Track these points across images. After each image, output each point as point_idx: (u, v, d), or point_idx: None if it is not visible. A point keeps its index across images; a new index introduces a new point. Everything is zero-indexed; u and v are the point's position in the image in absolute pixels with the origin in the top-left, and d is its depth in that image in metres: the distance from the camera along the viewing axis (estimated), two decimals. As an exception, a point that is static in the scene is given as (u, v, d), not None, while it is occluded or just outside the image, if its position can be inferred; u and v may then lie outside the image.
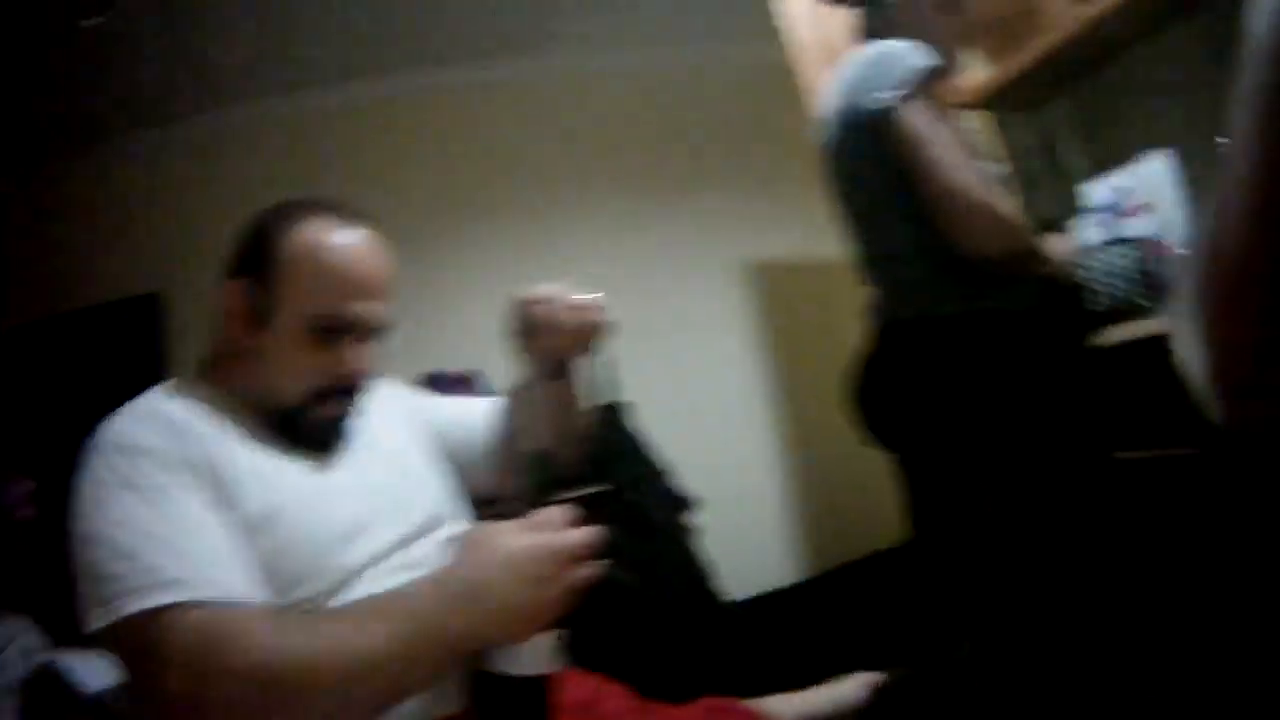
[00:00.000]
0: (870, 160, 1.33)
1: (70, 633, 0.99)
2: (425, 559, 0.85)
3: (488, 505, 1.00)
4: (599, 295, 0.91)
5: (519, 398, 1.00)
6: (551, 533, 0.70)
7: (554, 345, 0.91)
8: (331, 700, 0.64)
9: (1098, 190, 1.70)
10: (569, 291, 0.90)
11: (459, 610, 0.66)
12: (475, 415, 1.06)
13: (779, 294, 3.03)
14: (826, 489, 2.94)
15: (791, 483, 2.99)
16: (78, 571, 0.70)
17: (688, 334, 2.98)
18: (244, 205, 0.94)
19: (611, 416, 2.27)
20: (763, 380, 3.02)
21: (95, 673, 1.08)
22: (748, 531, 2.79)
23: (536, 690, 0.74)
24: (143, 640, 0.65)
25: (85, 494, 0.73)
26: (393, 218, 0.99)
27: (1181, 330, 0.38)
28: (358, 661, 0.64)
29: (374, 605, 0.69)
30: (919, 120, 1.25)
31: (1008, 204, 1.26)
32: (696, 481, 2.25)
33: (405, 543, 0.86)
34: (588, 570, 0.70)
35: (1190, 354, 0.38)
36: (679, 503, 2.23)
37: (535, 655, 0.73)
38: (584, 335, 0.91)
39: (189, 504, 0.73)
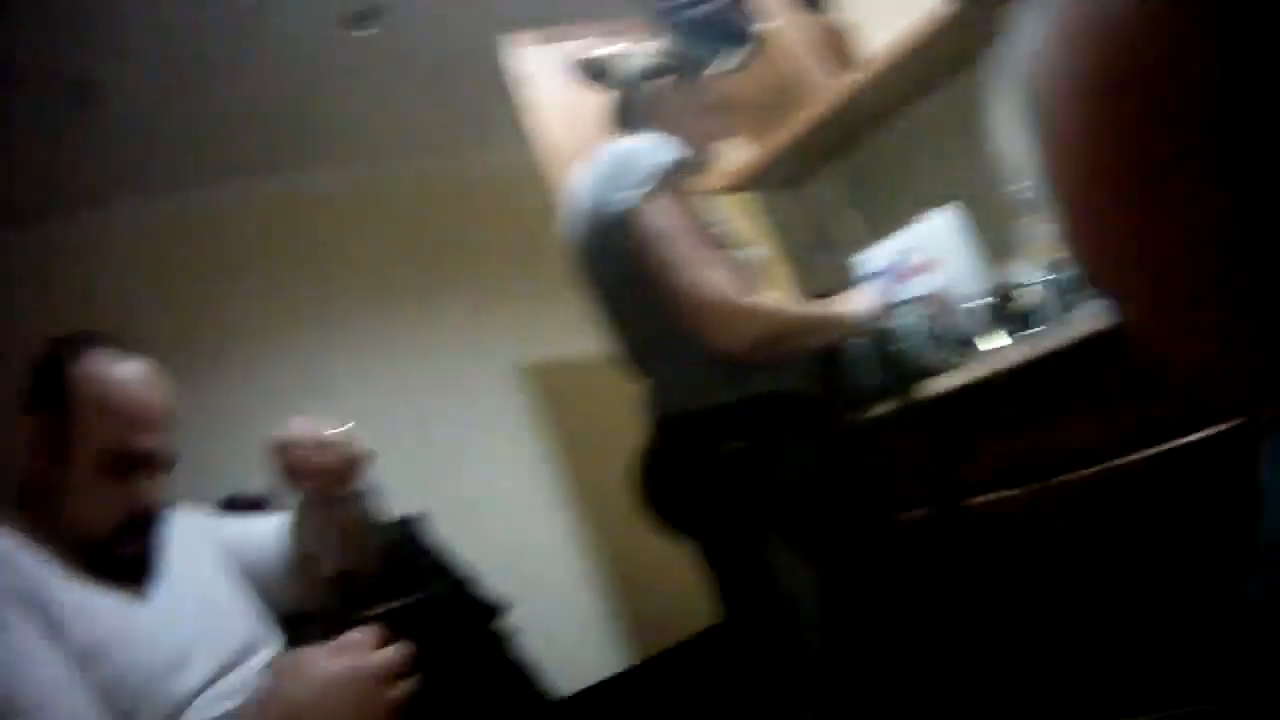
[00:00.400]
0: (616, 259, 1.31)
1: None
2: (244, 685, 0.87)
3: (293, 623, 1.01)
4: (347, 428, 0.93)
5: (305, 523, 1.02)
6: (364, 653, 0.70)
7: (314, 484, 0.94)
8: None
9: (873, 257, 1.70)
10: (318, 428, 0.92)
11: None
12: (268, 533, 1.07)
13: (556, 392, 3.08)
14: (631, 572, 2.95)
15: (596, 570, 3.01)
16: None
17: (472, 438, 2.98)
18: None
19: (407, 531, 2.22)
20: (551, 476, 3.05)
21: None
22: (562, 625, 2.79)
23: None
24: None
25: None
26: (169, 340, 0.96)
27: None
28: None
29: None
30: (658, 219, 1.23)
31: (751, 293, 1.27)
32: (502, 583, 2.23)
33: (225, 670, 0.87)
34: (403, 687, 0.70)
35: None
36: (488, 608, 2.18)
37: None
38: (340, 471, 0.93)
39: (25, 634, 0.73)
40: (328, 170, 2.93)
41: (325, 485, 0.94)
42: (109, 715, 0.73)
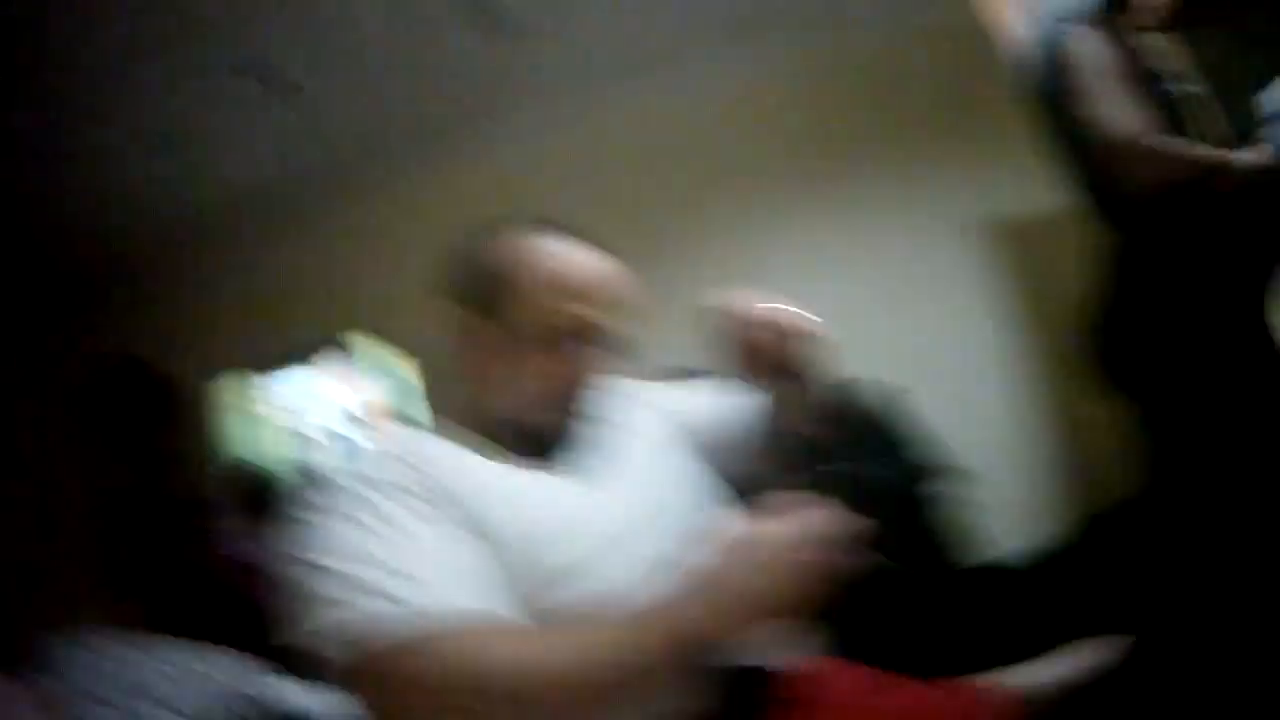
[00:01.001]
0: (1055, 96, 1.32)
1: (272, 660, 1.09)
2: (678, 557, 0.83)
3: (740, 491, 0.97)
4: (796, 312, 0.89)
5: (756, 395, 0.98)
6: (790, 520, 0.68)
7: (763, 366, 0.90)
8: (567, 709, 0.63)
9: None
10: (770, 308, 0.89)
11: (694, 606, 0.65)
12: (715, 404, 1.05)
13: (1014, 252, 2.86)
14: (1078, 449, 2.72)
15: (1043, 444, 2.78)
16: (302, 604, 0.68)
17: (927, 300, 2.87)
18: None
19: (856, 394, 2.20)
20: (1006, 341, 2.84)
21: (301, 697, 1.07)
22: (1002, 496, 2.57)
23: (762, 681, 0.76)
24: (386, 676, 0.64)
25: (319, 527, 0.72)
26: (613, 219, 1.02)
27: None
28: (586, 669, 0.63)
29: (609, 616, 0.69)
30: (1078, 44, 1.25)
31: (1160, 135, 1.23)
32: (950, 449, 2.15)
33: (664, 553, 0.83)
34: (827, 558, 0.67)
35: None
36: (930, 473, 2.12)
37: (764, 645, 0.73)
38: (790, 355, 0.89)
39: (427, 532, 0.72)
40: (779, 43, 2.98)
41: (775, 364, 0.89)
42: (532, 601, 0.72)
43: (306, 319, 3.28)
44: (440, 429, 0.87)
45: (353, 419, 3.16)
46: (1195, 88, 1.46)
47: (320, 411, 3.21)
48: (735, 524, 0.69)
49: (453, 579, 0.69)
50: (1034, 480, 2.76)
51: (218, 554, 2.40)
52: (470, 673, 0.63)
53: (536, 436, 0.86)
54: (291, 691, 1.09)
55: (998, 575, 2.46)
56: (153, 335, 3.39)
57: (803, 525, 0.67)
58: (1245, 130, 1.41)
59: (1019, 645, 1.09)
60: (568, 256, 0.87)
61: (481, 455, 0.83)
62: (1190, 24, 1.89)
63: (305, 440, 3.20)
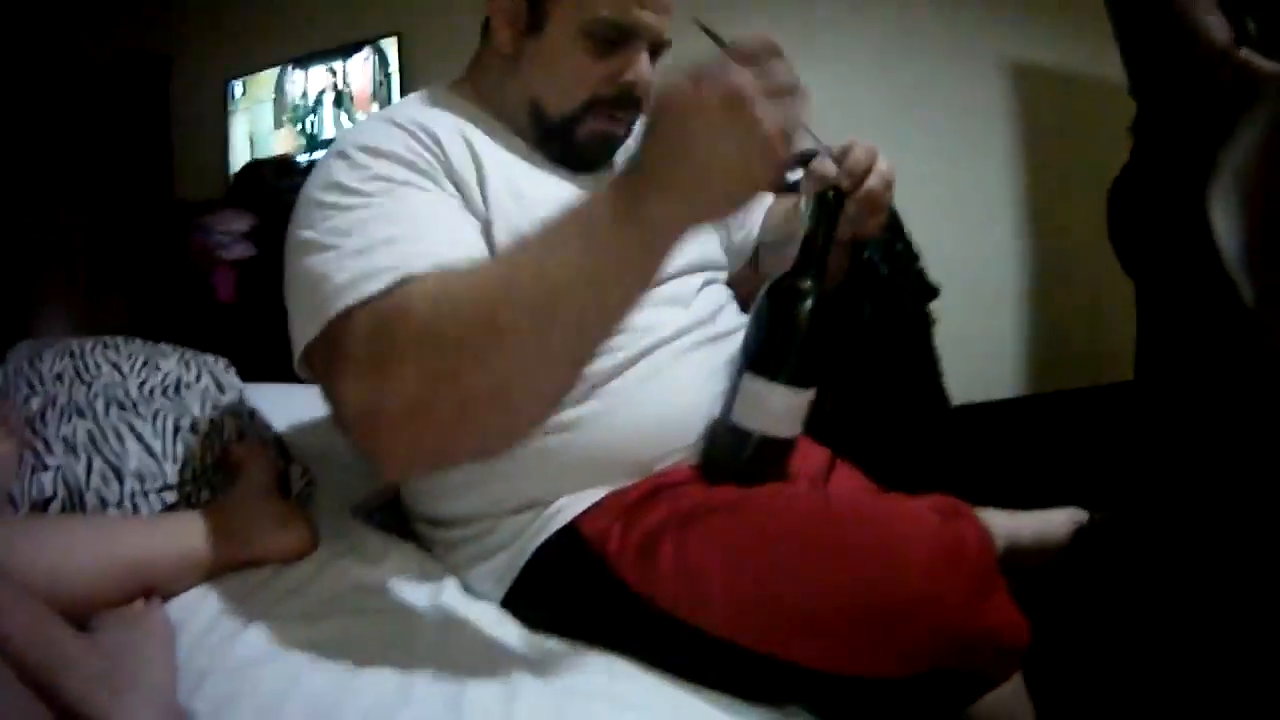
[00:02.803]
0: None
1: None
2: (687, 296, 0.83)
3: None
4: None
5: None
6: (751, 70, 0.53)
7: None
8: (526, 335, 0.55)
9: None
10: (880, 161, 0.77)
11: (652, 187, 0.54)
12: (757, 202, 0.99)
13: (1041, 99, 2.88)
14: (1065, 305, 2.84)
15: (1031, 293, 2.88)
16: (290, 291, 0.66)
17: (945, 129, 2.83)
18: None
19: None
20: (1016, 186, 2.88)
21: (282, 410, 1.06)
22: (979, 333, 2.68)
23: (780, 451, 0.74)
24: (330, 349, 0.60)
25: (311, 198, 0.68)
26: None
27: (1221, 202, 0.36)
28: (544, 282, 0.55)
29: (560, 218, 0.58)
30: None
31: (1247, 53, 1.23)
32: (936, 272, 2.11)
33: (671, 275, 0.81)
34: (790, 115, 0.53)
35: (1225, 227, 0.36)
36: (927, 289, 2.06)
37: (784, 416, 0.72)
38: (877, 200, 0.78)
39: (421, 201, 0.68)
40: None
41: (863, 214, 0.79)
42: None
43: (325, 16, 3.07)
44: (456, 103, 0.82)
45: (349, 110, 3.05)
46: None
47: (336, 107, 3.08)
48: (688, 81, 0.54)
49: (445, 241, 0.65)
50: (1015, 327, 2.82)
51: (210, 255, 2.40)
52: (434, 313, 0.57)
53: (562, 136, 0.81)
54: (274, 400, 1.09)
55: (982, 414, 2.57)
56: (168, 30, 3.22)
57: (767, 76, 0.53)
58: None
59: (998, 489, 1.08)
60: None
61: (499, 144, 0.79)
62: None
63: (319, 135, 3.09)
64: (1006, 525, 0.96)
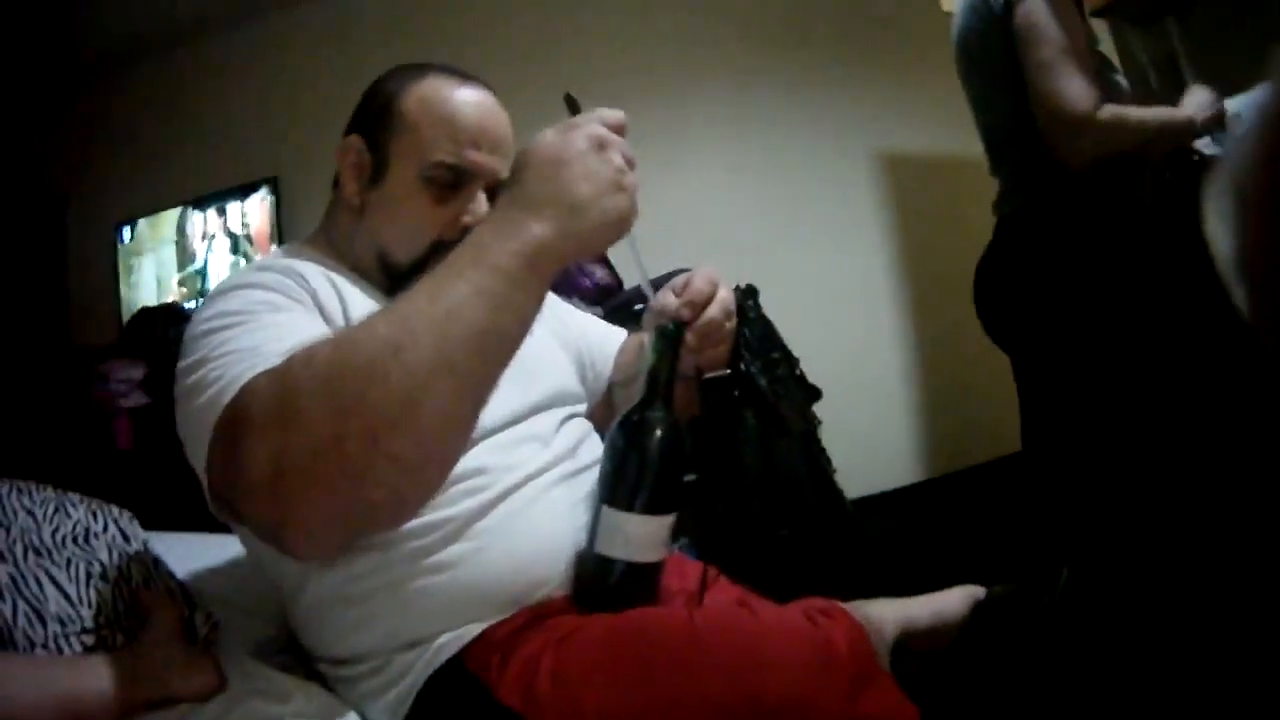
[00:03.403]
0: (994, 51, 1.35)
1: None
2: (546, 433, 0.85)
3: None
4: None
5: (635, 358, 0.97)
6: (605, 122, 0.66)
7: (699, 348, 0.84)
8: (426, 352, 0.56)
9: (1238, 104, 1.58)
10: (724, 292, 0.84)
11: (519, 215, 0.61)
12: (612, 340, 1.06)
13: (909, 186, 2.94)
14: (951, 386, 2.85)
15: (915, 378, 2.89)
16: (184, 416, 0.67)
17: (816, 218, 2.91)
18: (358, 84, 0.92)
19: (744, 303, 2.15)
20: (891, 273, 2.92)
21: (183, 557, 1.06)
22: (868, 426, 2.72)
23: (646, 576, 0.76)
24: (230, 433, 0.59)
25: (192, 335, 0.71)
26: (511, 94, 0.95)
27: (1216, 208, 0.36)
28: (439, 303, 0.58)
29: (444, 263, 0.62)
30: (1038, 17, 1.27)
31: (1109, 110, 1.26)
32: (819, 369, 2.16)
33: (530, 412, 0.85)
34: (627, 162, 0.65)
35: (1221, 236, 0.36)
36: (808, 392, 2.11)
37: (645, 542, 0.74)
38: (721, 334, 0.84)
39: (300, 313, 0.73)
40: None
41: (704, 344, 0.83)
42: None
43: (215, 158, 3.17)
44: (314, 255, 0.87)
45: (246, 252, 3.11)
46: (1124, 81, 1.53)
47: (224, 246, 3.14)
48: (556, 129, 0.66)
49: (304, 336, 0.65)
50: (903, 414, 2.88)
51: (110, 403, 2.38)
52: (334, 353, 0.58)
53: (405, 276, 0.83)
54: (177, 550, 1.10)
55: (873, 505, 2.58)
56: (66, 172, 3.25)
57: (601, 117, 0.66)
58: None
59: (889, 577, 1.10)
60: (465, 100, 0.84)
61: (358, 288, 0.83)
62: (1118, 16, 2.03)
63: (206, 275, 3.14)
64: (899, 612, 0.96)
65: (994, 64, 1.39)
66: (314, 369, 0.57)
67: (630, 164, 0.66)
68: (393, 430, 0.56)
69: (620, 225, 0.65)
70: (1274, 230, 0.33)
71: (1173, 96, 1.66)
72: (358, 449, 0.55)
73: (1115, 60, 1.75)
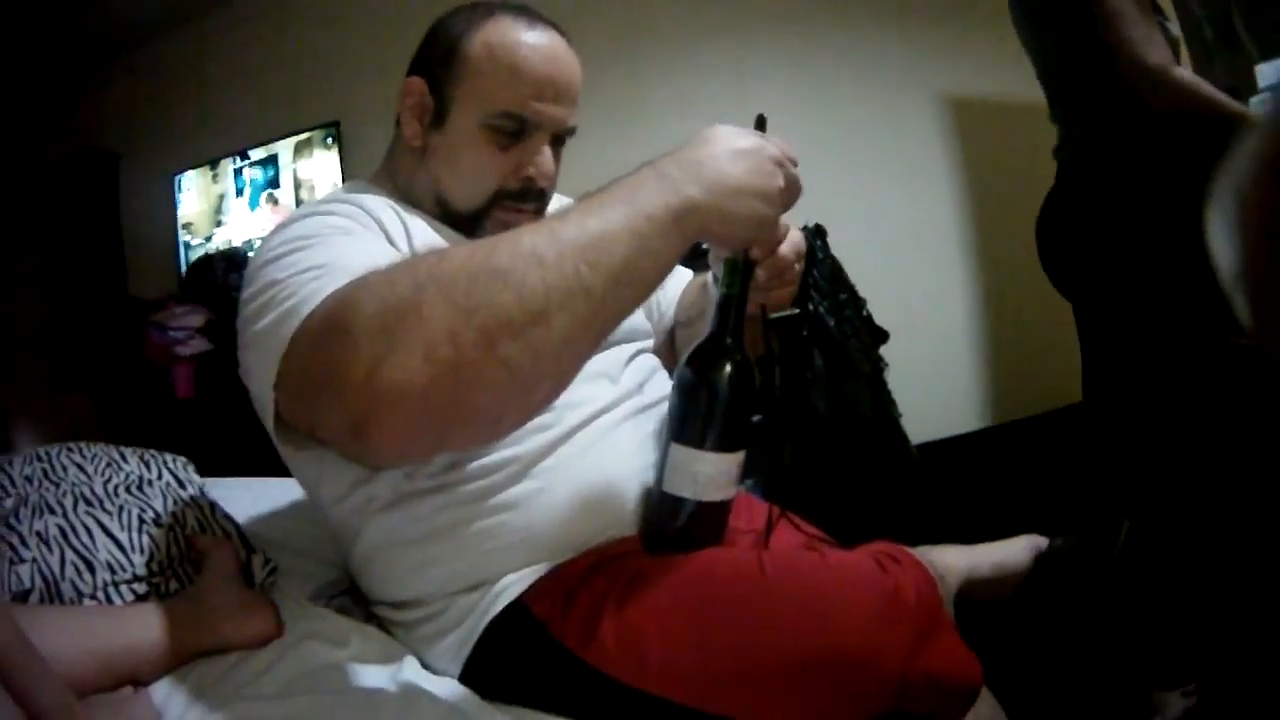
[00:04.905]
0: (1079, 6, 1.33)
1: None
2: (614, 369, 0.85)
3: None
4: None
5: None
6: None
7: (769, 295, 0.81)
8: (569, 268, 0.54)
9: (1269, 71, 1.61)
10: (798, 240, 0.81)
11: (681, 176, 0.60)
12: (677, 278, 1.04)
13: (978, 131, 2.88)
14: (1017, 334, 2.80)
15: (981, 325, 2.86)
16: (251, 342, 0.64)
17: (884, 162, 2.85)
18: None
19: (813, 244, 2.15)
20: (959, 218, 2.87)
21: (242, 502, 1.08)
22: (932, 370, 2.67)
23: (715, 515, 0.75)
24: (308, 341, 0.57)
25: (257, 265, 0.69)
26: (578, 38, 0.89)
27: (1218, 217, 0.34)
28: (588, 227, 0.56)
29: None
30: None
31: (1188, 76, 1.27)
32: (885, 312, 2.16)
33: (604, 348, 0.83)
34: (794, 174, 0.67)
35: (1222, 244, 0.35)
36: (874, 334, 2.14)
37: (714, 481, 0.72)
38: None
39: (373, 239, 0.72)
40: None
41: (773, 283, 0.79)
42: None
43: (273, 105, 3.16)
44: (377, 190, 0.85)
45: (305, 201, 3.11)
46: (1176, 29, 1.47)
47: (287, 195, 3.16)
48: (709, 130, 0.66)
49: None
50: (968, 360, 2.82)
51: (167, 352, 2.41)
52: (470, 250, 0.55)
53: (469, 229, 0.83)
54: (233, 494, 1.12)
55: (937, 451, 2.53)
56: (120, 125, 3.28)
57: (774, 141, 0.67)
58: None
59: (954, 523, 1.10)
60: (533, 45, 0.80)
61: (423, 221, 0.81)
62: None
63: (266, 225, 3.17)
64: (963, 560, 0.95)
65: (1050, 7, 1.38)
66: (445, 265, 0.54)
67: (791, 194, 0.68)
68: (513, 337, 0.52)
69: (759, 229, 0.66)
70: (1273, 247, 0.32)
71: (1226, 51, 1.67)
72: (472, 347, 0.51)
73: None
